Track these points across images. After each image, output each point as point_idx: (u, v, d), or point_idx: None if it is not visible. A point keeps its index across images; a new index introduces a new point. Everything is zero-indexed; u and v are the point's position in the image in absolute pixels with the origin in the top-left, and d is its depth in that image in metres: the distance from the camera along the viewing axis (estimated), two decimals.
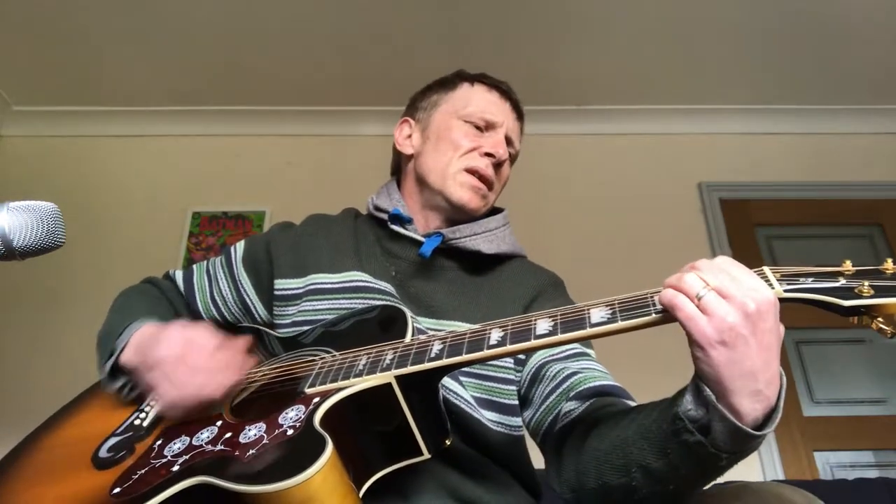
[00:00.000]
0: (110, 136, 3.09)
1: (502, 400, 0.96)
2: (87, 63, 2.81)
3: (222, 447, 0.73)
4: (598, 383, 0.91)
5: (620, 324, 0.68)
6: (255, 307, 1.10)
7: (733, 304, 0.62)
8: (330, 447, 0.65)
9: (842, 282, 0.64)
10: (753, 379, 0.62)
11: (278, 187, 2.95)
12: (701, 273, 0.65)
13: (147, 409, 0.87)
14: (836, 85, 2.94)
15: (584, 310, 0.72)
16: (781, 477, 2.33)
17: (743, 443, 0.65)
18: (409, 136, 1.19)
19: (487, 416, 0.94)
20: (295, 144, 3.08)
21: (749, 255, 2.78)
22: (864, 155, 3.00)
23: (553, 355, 0.97)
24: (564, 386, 0.93)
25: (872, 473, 2.31)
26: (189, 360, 0.81)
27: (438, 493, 0.86)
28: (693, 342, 0.64)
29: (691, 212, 2.90)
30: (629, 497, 0.75)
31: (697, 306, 0.63)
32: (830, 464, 2.44)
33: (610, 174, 2.99)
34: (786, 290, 0.65)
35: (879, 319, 0.62)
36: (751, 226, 2.89)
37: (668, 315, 0.66)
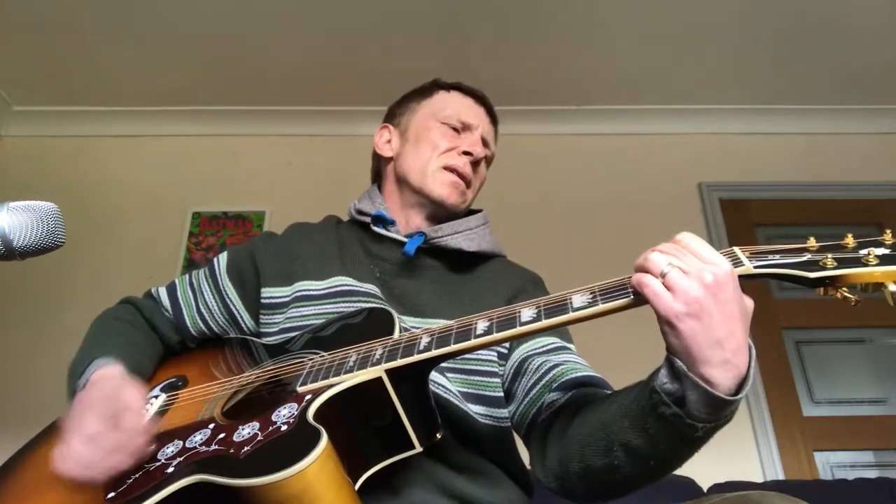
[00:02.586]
0: (110, 136, 3.09)
1: (488, 393, 0.98)
2: (87, 63, 2.81)
3: (217, 447, 0.73)
4: (579, 374, 0.94)
5: (601, 307, 0.70)
6: (241, 317, 1.10)
7: (693, 278, 0.66)
8: (325, 437, 0.65)
9: (807, 256, 0.68)
10: (721, 348, 0.65)
11: (278, 187, 2.95)
12: (664, 252, 0.69)
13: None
14: (836, 85, 2.94)
15: (566, 297, 0.74)
16: (781, 477, 2.33)
17: (717, 410, 0.67)
18: (389, 141, 1.24)
19: (475, 410, 0.95)
20: (295, 144, 3.08)
21: None
22: (864, 155, 3.00)
23: (534, 349, 1.00)
24: (547, 378, 0.95)
25: (872, 473, 2.31)
26: (67, 440, 0.76)
27: (429, 489, 0.86)
28: (661, 318, 0.67)
29: (691, 212, 2.90)
30: (611, 476, 0.77)
31: (663, 283, 0.66)
32: (830, 464, 2.44)
33: (610, 174, 2.99)
34: (756, 267, 0.69)
35: (844, 289, 0.67)
36: (751, 226, 2.89)
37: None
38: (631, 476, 0.76)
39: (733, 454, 2.32)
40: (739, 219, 2.89)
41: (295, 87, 2.95)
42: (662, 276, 0.66)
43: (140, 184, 2.99)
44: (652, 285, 0.67)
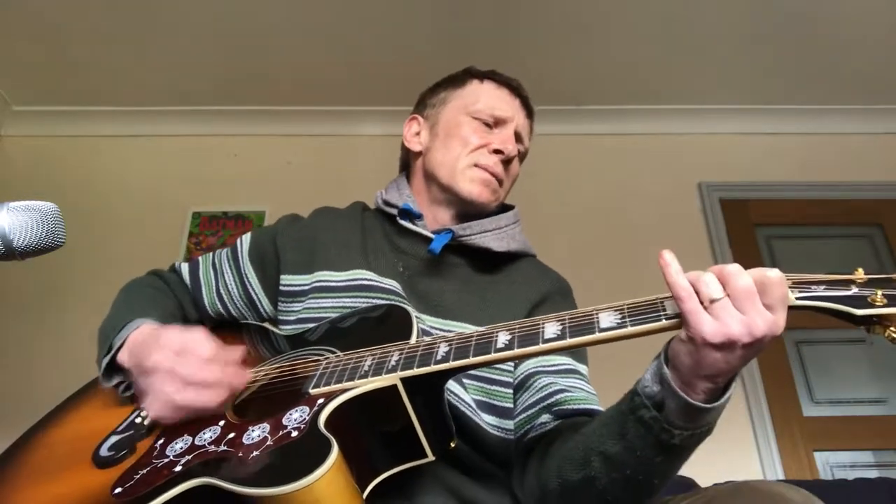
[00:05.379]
0: (110, 136, 3.09)
1: (501, 403, 0.96)
2: (87, 63, 2.81)
3: (225, 448, 0.73)
4: (582, 406, 0.91)
5: (630, 329, 0.67)
6: (260, 302, 1.09)
7: (744, 320, 0.62)
8: (336, 450, 0.65)
9: (854, 290, 0.64)
10: (721, 377, 0.66)
11: (278, 187, 2.95)
12: (726, 278, 0.64)
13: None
14: (836, 85, 2.94)
15: (592, 314, 0.71)
16: (781, 477, 2.33)
17: (694, 419, 0.68)
18: (418, 134, 1.19)
19: (486, 420, 0.94)
20: (295, 144, 3.08)
21: (749, 255, 2.78)
22: (864, 155, 3.00)
23: (544, 367, 0.97)
24: (549, 401, 0.92)
25: (872, 473, 2.31)
26: (180, 372, 0.79)
27: (441, 494, 0.85)
28: (689, 336, 0.64)
29: (691, 212, 2.90)
30: (588, 489, 0.77)
31: (706, 308, 0.63)
32: (830, 464, 2.44)
33: (610, 174, 2.99)
34: (798, 298, 0.65)
35: (892, 329, 0.62)
36: (751, 226, 2.89)
37: (679, 321, 0.66)
38: (608, 488, 0.75)
39: (733, 454, 2.32)
40: (739, 219, 2.89)
41: (295, 87, 2.95)
42: (711, 301, 0.63)
43: (140, 184, 2.99)
44: (689, 301, 0.63)
